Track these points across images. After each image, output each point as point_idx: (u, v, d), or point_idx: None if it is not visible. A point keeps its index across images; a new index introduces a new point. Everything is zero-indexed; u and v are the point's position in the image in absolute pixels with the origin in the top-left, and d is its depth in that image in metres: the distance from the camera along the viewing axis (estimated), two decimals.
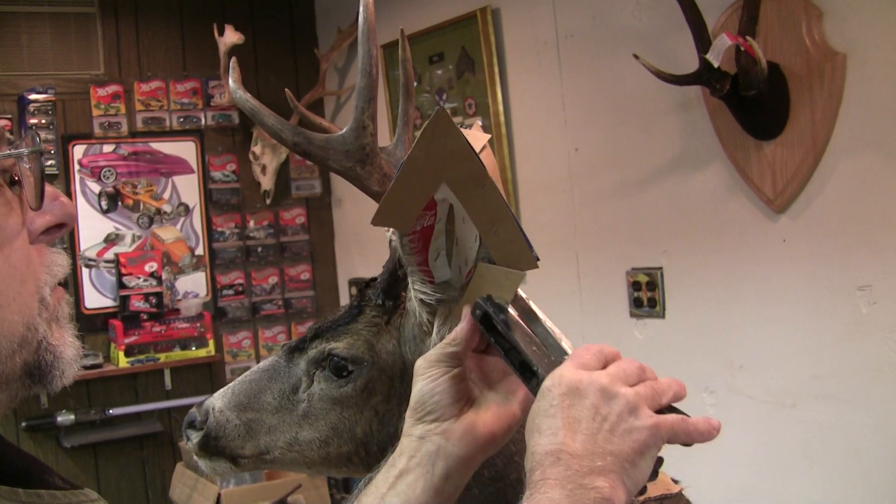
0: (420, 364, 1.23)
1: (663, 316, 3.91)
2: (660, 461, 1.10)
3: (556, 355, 1.19)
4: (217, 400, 1.64)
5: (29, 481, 0.98)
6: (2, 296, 0.96)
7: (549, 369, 1.13)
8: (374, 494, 1.20)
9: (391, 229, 1.44)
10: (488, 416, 1.20)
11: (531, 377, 1.15)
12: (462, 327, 1.22)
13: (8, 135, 1.01)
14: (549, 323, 1.25)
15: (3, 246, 0.97)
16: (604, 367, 1.13)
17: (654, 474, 1.09)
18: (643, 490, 1.12)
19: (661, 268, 3.89)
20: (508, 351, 1.18)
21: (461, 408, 1.20)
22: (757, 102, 3.22)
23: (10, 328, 0.96)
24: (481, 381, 1.25)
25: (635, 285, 3.98)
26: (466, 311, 1.23)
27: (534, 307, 1.26)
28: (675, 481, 1.91)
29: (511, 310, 1.24)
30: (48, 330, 1.01)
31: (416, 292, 1.38)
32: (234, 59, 1.70)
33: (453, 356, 1.21)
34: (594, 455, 1.02)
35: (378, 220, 1.27)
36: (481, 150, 1.51)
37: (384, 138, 1.82)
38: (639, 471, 1.05)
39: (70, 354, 1.04)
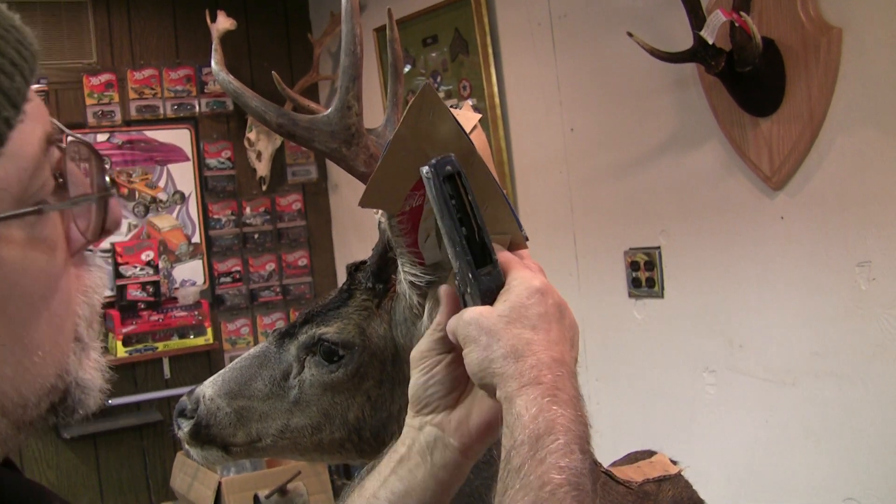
0: (413, 355, 1.21)
1: (662, 296, 3.89)
2: None
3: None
4: (207, 388, 1.62)
5: None
6: (39, 350, 0.88)
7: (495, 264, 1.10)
8: (377, 478, 1.19)
9: (380, 211, 1.41)
10: (483, 406, 1.16)
11: (487, 261, 1.10)
12: (443, 311, 1.18)
13: (59, 146, 0.92)
14: None
15: (46, 295, 0.88)
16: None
17: None
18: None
19: (659, 247, 3.87)
20: (462, 220, 1.10)
21: (457, 398, 1.18)
22: (752, 79, 3.19)
23: (42, 382, 0.89)
24: None
25: (633, 265, 3.96)
26: (444, 292, 1.20)
27: None
28: (674, 462, 1.90)
29: None
30: (79, 365, 0.94)
31: (405, 275, 1.36)
32: (216, 41, 1.67)
33: (442, 342, 1.18)
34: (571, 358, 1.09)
35: (365, 202, 1.24)
36: (472, 130, 1.49)
37: (378, 120, 1.80)
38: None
39: (99, 383, 0.97)
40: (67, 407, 0.94)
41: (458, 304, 1.16)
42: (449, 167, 1.11)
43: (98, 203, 0.93)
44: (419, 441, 1.17)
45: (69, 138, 0.92)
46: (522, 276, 1.09)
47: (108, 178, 0.95)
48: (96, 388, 0.96)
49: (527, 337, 1.04)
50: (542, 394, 0.99)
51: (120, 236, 5.76)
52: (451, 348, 1.18)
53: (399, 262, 1.37)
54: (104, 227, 0.94)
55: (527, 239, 1.20)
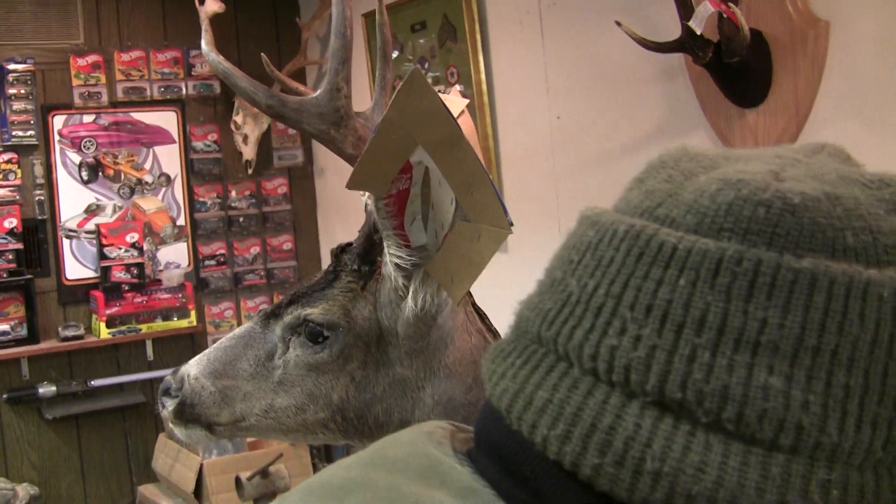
0: None
1: None
2: None
3: None
4: (192, 367, 1.63)
5: None
6: None
7: None
8: None
9: (367, 193, 1.42)
10: None
11: None
12: None
13: None
14: None
15: None
16: None
17: None
18: None
19: None
20: None
21: None
22: (740, 70, 3.21)
23: None
24: None
25: None
26: None
27: None
28: None
29: None
30: None
31: (391, 257, 1.37)
32: (206, 22, 1.68)
33: None
34: None
35: (353, 184, 1.25)
36: (460, 115, 1.50)
37: (365, 105, 1.80)
38: None
39: None
40: None
41: None
42: None
43: None
44: None
45: None
46: None
47: None
48: None
49: None
50: None
51: (105, 217, 5.74)
52: None
53: (385, 245, 1.38)
54: None
55: (511, 224, 1.21)
